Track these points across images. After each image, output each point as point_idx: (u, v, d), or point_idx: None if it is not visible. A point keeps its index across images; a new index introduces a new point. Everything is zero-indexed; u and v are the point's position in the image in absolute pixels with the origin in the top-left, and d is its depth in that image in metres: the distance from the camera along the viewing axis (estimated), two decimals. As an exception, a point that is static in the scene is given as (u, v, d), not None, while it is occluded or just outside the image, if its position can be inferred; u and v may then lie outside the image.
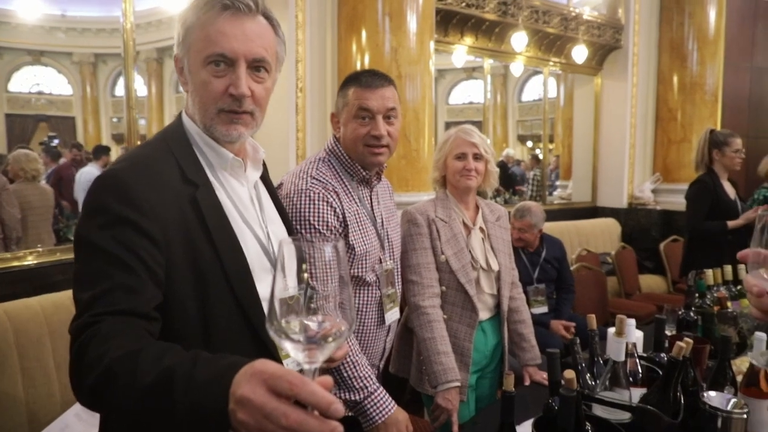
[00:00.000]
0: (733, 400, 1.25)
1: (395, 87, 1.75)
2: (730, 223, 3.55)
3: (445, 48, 4.86)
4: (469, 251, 2.07)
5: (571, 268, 3.97)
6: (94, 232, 0.96)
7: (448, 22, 4.74)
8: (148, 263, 0.95)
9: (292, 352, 0.71)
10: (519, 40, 5.08)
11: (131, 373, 0.78)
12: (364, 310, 1.74)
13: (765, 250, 0.91)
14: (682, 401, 1.31)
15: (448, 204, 2.12)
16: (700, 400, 1.27)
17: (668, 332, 1.88)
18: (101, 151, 4.28)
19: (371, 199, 1.80)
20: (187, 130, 1.15)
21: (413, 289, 2.01)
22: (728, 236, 3.55)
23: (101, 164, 4.17)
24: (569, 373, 1.11)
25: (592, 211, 6.17)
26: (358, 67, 3.60)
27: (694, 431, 1.27)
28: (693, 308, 2.05)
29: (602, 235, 5.65)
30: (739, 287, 2.27)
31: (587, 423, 1.17)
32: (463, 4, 4.63)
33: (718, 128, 4.60)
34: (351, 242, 1.65)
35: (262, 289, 1.09)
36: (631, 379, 1.40)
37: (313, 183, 1.63)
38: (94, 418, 1.11)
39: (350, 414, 1.59)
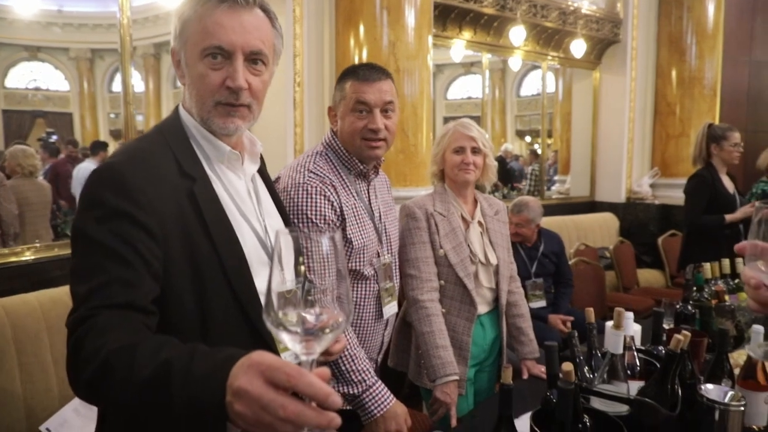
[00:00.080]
0: (731, 392, 1.25)
1: (393, 80, 1.75)
2: (728, 217, 3.56)
3: (443, 42, 4.85)
4: (468, 245, 2.07)
5: (570, 263, 3.98)
6: (91, 226, 0.95)
7: (447, 17, 4.72)
8: (145, 257, 0.95)
9: (290, 343, 0.70)
10: (517, 34, 5.07)
11: (128, 367, 0.78)
12: (362, 304, 1.74)
13: (762, 242, 0.91)
14: (680, 394, 1.31)
15: (446, 198, 2.12)
16: (697, 392, 1.27)
17: (666, 325, 1.88)
18: (99, 146, 4.27)
19: (369, 192, 1.80)
20: (184, 123, 1.15)
21: (412, 283, 2.01)
22: (726, 230, 3.56)
23: (99, 160, 4.15)
24: (567, 366, 1.11)
25: (591, 206, 6.17)
26: (356, 62, 3.59)
27: (692, 424, 1.27)
28: (691, 302, 2.05)
29: (600, 230, 5.66)
30: (736, 281, 2.27)
31: (585, 416, 1.17)
32: (462, -2, 4.62)
33: (717, 122, 4.60)
34: (349, 236, 1.65)
35: (260, 283, 1.09)
36: (629, 371, 1.40)
37: (310, 177, 1.62)
38: (92, 413, 1.11)
39: (349, 408, 1.59)
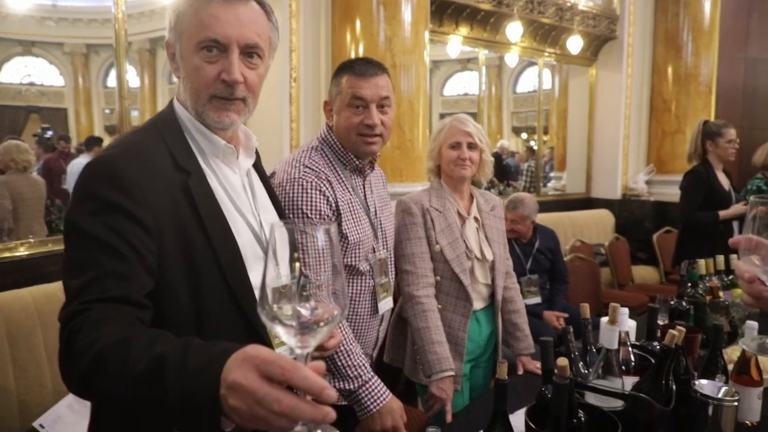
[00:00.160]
0: (724, 388, 1.26)
1: (389, 76, 1.74)
2: (722, 213, 3.57)
3: (440, 38, 4.85)
4: (464, 241, 2.07)
5: (565, 259, 3.99)
6: (84, 219, 0.94)
7: (443, 12, 4.71)
8: (139, 250, 0.94)
9: (285, 337, 0.70)
10: (514, 30, 5.06)
11: (122, 361, 0.77)
12: (358, 299, 1.74)
13: (756, 236, 0.91)
14: (674, 389, 1.32)
15: (442, 194, 2.12)
16: (691, 388, 1.28)
17: (661, 321, 1.89)
18: (93, 142, 4.24)
19: (364, 188, 1.79)
20: (179, 117, 1.14)
21: (408, 278, 2.01)
22: (720, 226, 3.57)
23: (93, 155, 4.13)
24: (562, 361, 1.11)
25: (586, 203, 6.18)
26: (353, 57, 3.58)
27: (686, 419, 1.28)
28: (685, 298, 2.06)
29: (596, 227, 5.67)
30: (731, 277, 2.28)
31: (580, 411, 1.17)
32: (458, -6, 4.61)
33: (712, 119, 4.61)
34: (344, 231, 1.64)
35: (255, 277, 1.09)
36: (623, 367, 1.40)
37: (305, 172, 1.62)
38: (86, 409, 1.10)
39: (345, 403, 1.59)
